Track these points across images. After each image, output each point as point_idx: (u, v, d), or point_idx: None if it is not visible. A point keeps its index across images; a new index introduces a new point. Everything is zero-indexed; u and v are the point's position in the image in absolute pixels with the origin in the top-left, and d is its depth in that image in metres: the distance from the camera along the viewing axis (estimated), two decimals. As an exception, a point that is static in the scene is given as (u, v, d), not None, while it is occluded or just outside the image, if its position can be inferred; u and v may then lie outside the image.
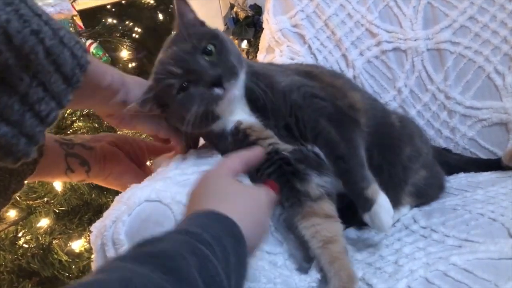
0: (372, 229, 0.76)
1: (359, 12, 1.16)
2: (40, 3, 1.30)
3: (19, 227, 1.37)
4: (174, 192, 0.56)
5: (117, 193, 0.71)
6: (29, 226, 1.37)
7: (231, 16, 2.56)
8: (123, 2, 2.78)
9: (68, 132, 1.37)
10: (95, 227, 0.55)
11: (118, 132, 1.26)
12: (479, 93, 1.06)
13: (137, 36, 2.72)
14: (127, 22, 2.68)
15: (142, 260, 0.36)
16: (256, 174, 0.70)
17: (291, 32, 1.20)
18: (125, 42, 1.75)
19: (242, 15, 2.49)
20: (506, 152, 0.96)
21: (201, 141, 0.78)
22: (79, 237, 1.46)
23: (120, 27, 2.12)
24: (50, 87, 0.47)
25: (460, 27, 1.08)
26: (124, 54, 1.78)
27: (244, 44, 2.64)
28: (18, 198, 1.36)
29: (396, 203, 0.79)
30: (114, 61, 1.63)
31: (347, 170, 0.67)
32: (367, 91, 0.99)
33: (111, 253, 0.52)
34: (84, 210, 1.45)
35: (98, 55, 1.45)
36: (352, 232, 0.79)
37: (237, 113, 0.68)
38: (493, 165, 0.96)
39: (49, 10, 1.21)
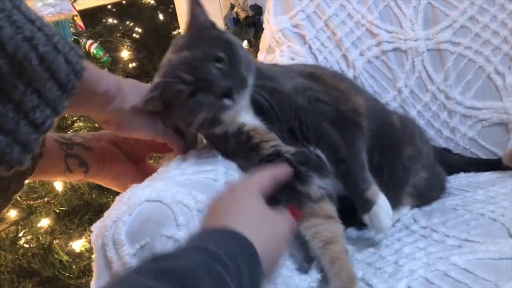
0: (371, 230, 0.76)
1: (360, 12, 1.16)
2: (40, 3, 1.29)
3: (19, 227, 1.38)
4: (175, 192, 0.56)
5: (117, 193, 0.71)
6: (30, 226, 1.38)
7: (232, 16, 2.56)
8: (123, 2, 2.79)
9: (69, 132, 1.37)
10: (96, 227, 0.55)
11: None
12: (479, 93, 1.06)
13: (137, 36, 2.72)
14: (127, 22, 2.69)
15: (157, 275, 0.36)
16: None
17: (292, 32, 1.20)
18: (126, 42, 1.75)
19: (242, 15, 2.49)
20: (507, 153, 0.96)
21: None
22: (80, 237, 1.46)
23: (121, 27, 2.12)
24: (45, 94, 0.46)
25: (461, 27, 1.08)
26: (125, 54, 1.78)
27: (245, 44, 2.64)
28: (18, 198, 1.36)
29: (396, 203, 0.79)
30: (115, 61, 1.63)
31: (348, 172, 0.68)
32: (368, 92, 0.99)
33: (111, 253, 0.52)
34: (84, 210, 1.46)
35: (98, 55, 1.45)
36: (353, 232, 0.79)
37: (241, 116, 0.68)
38: (493, 165, 0.96)
39: (49, 10, 1.21)
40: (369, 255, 0.70)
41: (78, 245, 1.46)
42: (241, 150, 0.70)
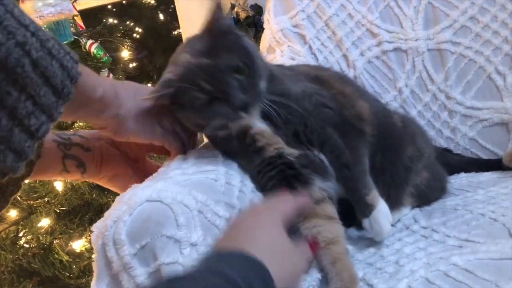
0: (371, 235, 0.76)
1: (360, 12, 1.16)
2: (40, 3, 1.29)
3: (20, 227, 1.38)
4: (175, 192, 0.56)
5: (118, 193, 0.71)
6: (30, 226, 1.37)
7: (232, 16, 2.56)
8: (123, 2, 2.79)
9: (70, 130, 1.37)
10: (96, 227, 0.55)
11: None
12: (480, 93, 1.06)
13: (137, 36, 2.72)
14: (128, 22, 2.69)
15: None
16: (257, 175, 0.70)
17: (292, 32, 1.20)
18: (126, 42, 1.75)
19: (242, 15, 2.49)
20: (507, 153, 0.96)
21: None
22: (80, 237, 1.46)
23: (121, 27, 2.12)
24: (39, 100, 0.45)
25: (461, 27, 1.08)
26: (125, 54, 1.78)
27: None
28: (19, 198, 1.36)
29: (397, 203, 0.79)
30: (115, 61, 1.63)
31: (350, 177, 0.70)
32: (370, 93, 0.99)
33: (112, 253, 0.52)
34: (84, 210, 1.46)
35: (99, 55, 1.45)
36: (353, 232, 0.79)
37: (249, 120, 0.68)
38: (494, 165, 0.96)
39: (49, 10, 1.21)
40: (369, 255, 0.70)
41: (78, 245, 1.46)
42: (244, 151, 0.70)
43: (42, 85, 0.45)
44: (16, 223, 1.38)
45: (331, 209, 0.71)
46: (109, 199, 1.44)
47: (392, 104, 1.12)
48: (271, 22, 1.22)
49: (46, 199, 1.39)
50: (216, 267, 0.42)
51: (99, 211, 1.45)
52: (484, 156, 1.04)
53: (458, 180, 0.94)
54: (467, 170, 0.98)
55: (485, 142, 1.05)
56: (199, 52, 0.65)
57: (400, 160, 0.80)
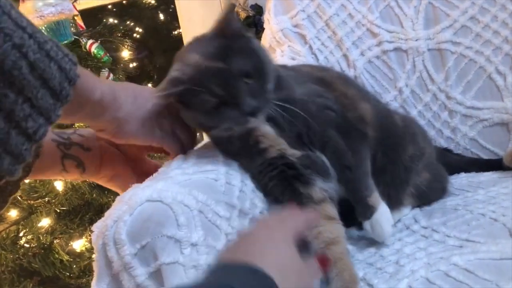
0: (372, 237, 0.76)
1: (360, 12, 1.16)
2: (41, 3, 1.29)
3: (20, 227, 1.38)
4: (176, 192, 0.56)
5: (118, 193, 0.71)
6: (30, 226, 1.38)
7: (232, 16, 2.56)
8: (124, 2, 2.79)
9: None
10: (96, 226, 0.55)
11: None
12: (480, 93, 1.06)
13: (138, 36, 2.73)
14: (128, 22, 2.69)
15: None
16: (258, 175, 0.70)
17: (292, 32, 1.20)
18: (126, 42, 1.75)
19: (243, 15, 2.48)
20: (507, 153, 0.96)
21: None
22: (80, 236, 1.46)
23: (121, 27, 2.13)
24: (37, 103, 0.45)
25: (461, 27, 1.08)
26: (125, 54, 1.78)
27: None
28: (19, 198, 1.36)
29: (397, 203, 0.79)
30: (115, 61, 1.63)
31: (352, 179, 0.70)
32: (371, 94, 0.99)
33: (112, 253, 0.52)
34: (85, 209, 1.46)
35: (99, 55, 1.45)
36: (354, 232, 0.79)
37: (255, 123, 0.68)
38: (494, 165, 0.96)
39: (50, 10, 1.21)
40: (370, 255, 0.71)
41: (78, 244, 1.46)
42: (246, 151, 0.70)
43: (40, 88, 0.45)
44: (16, 223, 1.38)
45: (331, 210, 0.71)
46: (110, 199, 1.44)
47: (393, 104, 1.12)
48: (271, 22, 1.22)
49: (46, 199, 1.39)
50: (225, 279, 0.42)
51: (99, 211, 1.45)
52: (484, 156, 1.04)
53: (458, 180, 0.94)
54: (467, 170, 0.98)
55: (485, 142, 1.05)
56: (210, 54, 0.64)
57: (401, 159, 0.80)
